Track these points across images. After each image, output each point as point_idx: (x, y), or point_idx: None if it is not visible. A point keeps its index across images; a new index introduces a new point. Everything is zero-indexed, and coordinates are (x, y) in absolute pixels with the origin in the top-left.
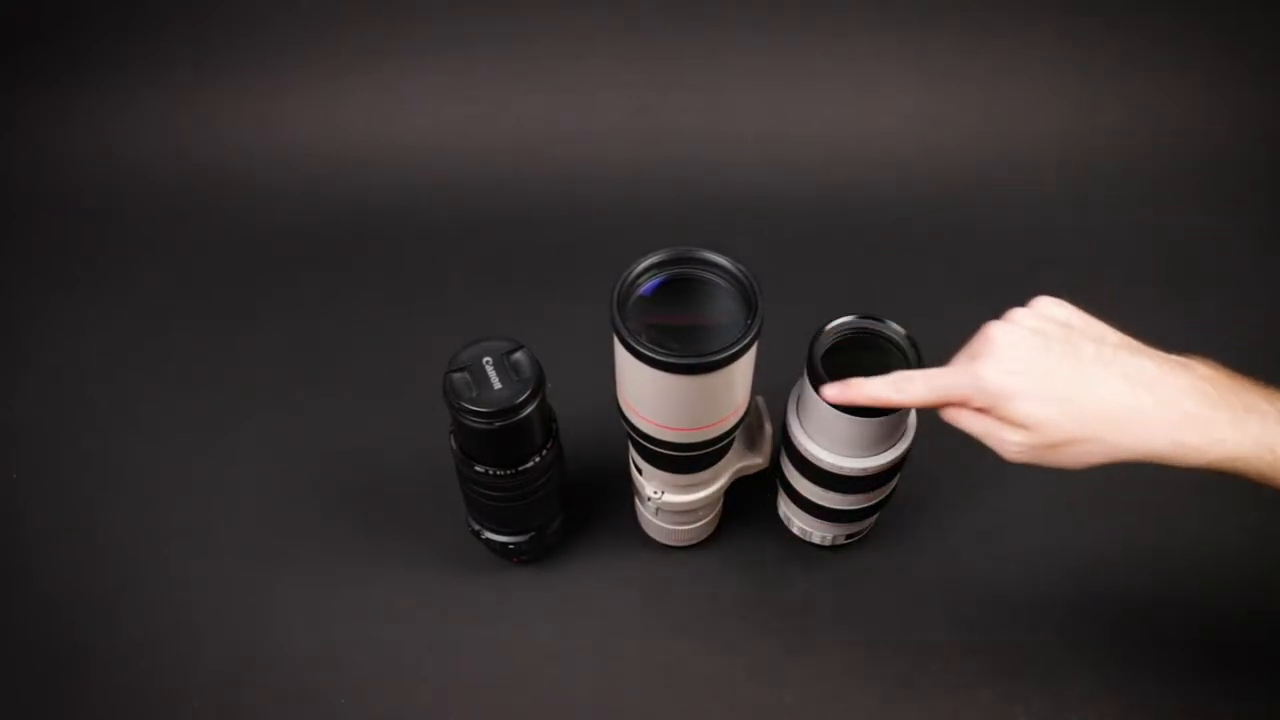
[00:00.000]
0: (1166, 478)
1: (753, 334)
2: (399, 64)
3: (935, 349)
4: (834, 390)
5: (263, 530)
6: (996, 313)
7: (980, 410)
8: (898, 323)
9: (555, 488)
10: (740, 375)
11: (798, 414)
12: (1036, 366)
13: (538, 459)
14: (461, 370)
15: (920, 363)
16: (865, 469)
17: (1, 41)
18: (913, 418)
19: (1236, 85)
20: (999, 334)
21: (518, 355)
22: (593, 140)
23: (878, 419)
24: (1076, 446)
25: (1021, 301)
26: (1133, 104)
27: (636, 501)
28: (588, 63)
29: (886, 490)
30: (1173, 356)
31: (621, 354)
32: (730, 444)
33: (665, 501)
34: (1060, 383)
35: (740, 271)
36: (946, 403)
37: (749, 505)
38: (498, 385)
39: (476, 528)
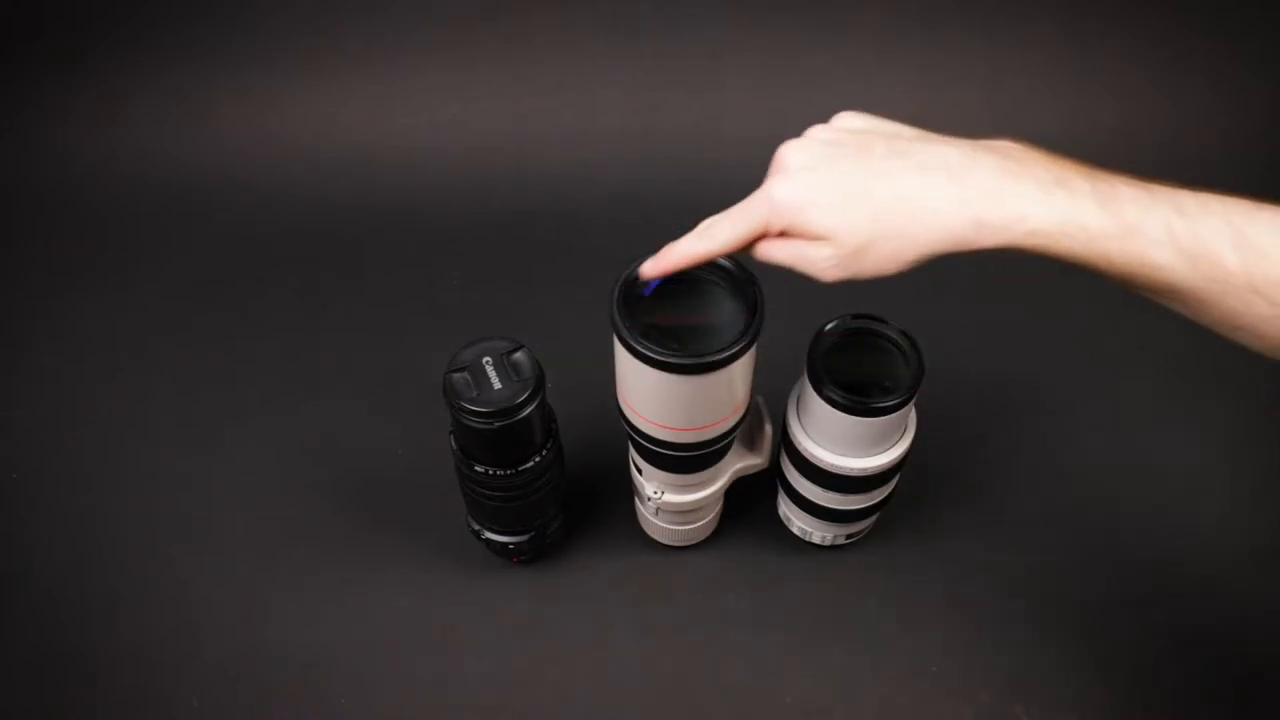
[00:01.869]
0: (1166, 478)
1: (753, 334)
2: (399, 64)
3: (935, 349)
4: (649, 265)
5: (263, 530)
6: (995, 312)
7: (783, 235)
8: (898, 323)
9: (555, 488)
10: (740, 375)
11: (798, 414)
12: (826, 174)
13: (538, 459)
14: (461, 370)
15: (920, 363)
16: (865, 469)
17: (1, 41)
18: (912, 417)
19: (1236, 85)
20: (788, 151)
21: (518, 355)
22: (593, 140)
23: (878, 419)
24: (881, 246)
25: (1021, 305)
26: (1133, 104)
27: (636, 501)
28: (588, 63)
29: (886, 490)
30: (979, 141)
31: (621, 354)
32: (730, 444)
33: (665, 501)
34: (850, 184)
35: (740, 272)
36: (752, 236)
37: (749, 505)
38: (498, 385)
39: (476, 528)
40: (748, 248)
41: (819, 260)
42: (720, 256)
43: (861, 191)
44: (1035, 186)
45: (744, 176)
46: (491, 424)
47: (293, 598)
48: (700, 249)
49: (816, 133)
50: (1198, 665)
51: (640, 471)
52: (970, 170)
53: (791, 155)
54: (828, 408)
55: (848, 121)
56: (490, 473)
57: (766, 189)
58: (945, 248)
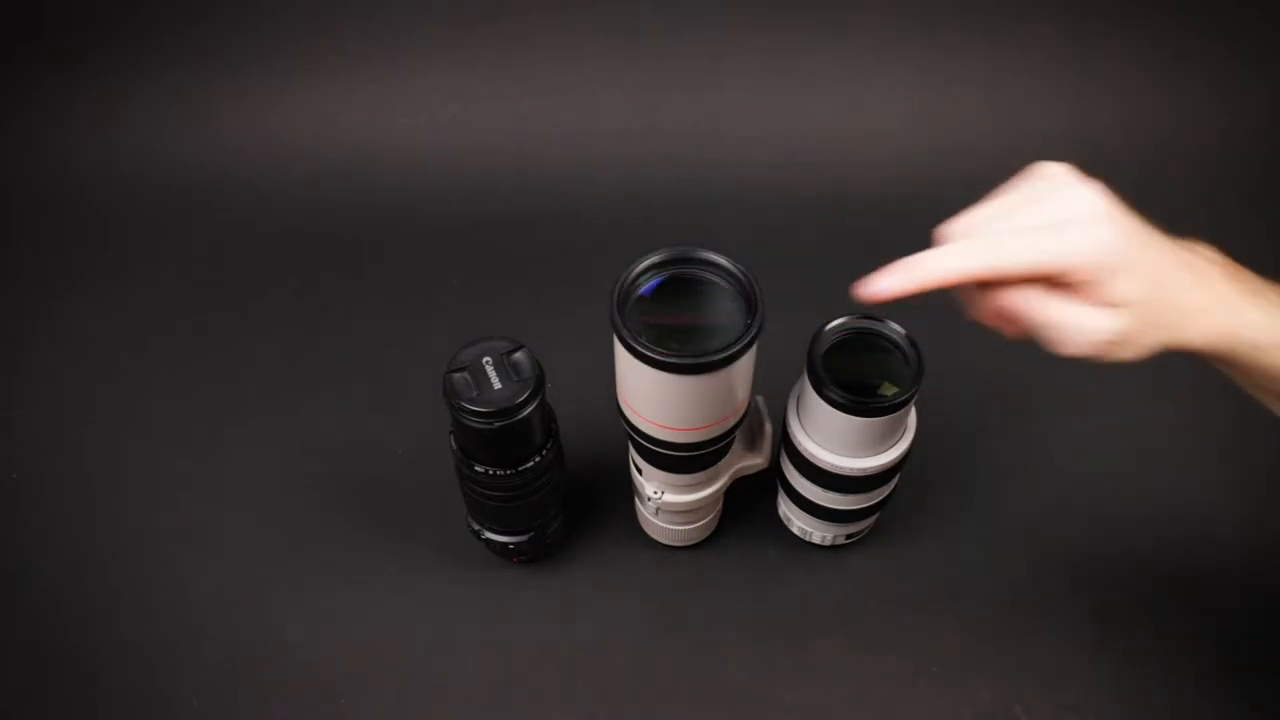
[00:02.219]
0: (1166, 478)
1: (753, 334)
2: (399, 64)
3: (935, 349)
4: (888, 281)
5: (263, 530)
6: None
7: (1062, 289)
8: (898, 323)
9: (555, 488)
10: (740, 375)
11: (798, 414)
12: (1138, 239)
13: (538, 459)
14: (461, 370)
15: (920, 363)
16: (865, 469)
17: (1, 41)
18: (912, 417)
19: (1236, 85)
20: (1092, 193)
21: (518, 355)
22: (592, 140)
23: (878, 419)
24: (1151, 335)
25: None
26: (1133, 104)
27: (636, 501)
28: (588, 63)
29: (886, 490)
30: (1186, 243)
31: (621, 354)
32: (730, 444)
33: (665, 501)
34: (1153, 261)
35: (740, 271)
36: (1042, 273)
37: (749, 505)
38: (498, 385)
39: (476, 528)
40: (1019, 281)
41: (1097, 330)
42: (983, 279)
43: (1157, 277)
44: (1251, 298)
45: (744, 176)
46: (491, 424)
47: (293, 597)
48: (977, 269)
49: (1087, 186)
50: (1198, 665)
51: (640, 471)
52: (1205, 273)
53: (1090, 202)
54: (828, 408)
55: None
56: (490, 473)
57: (1083, 238)
58: (1179, 346)
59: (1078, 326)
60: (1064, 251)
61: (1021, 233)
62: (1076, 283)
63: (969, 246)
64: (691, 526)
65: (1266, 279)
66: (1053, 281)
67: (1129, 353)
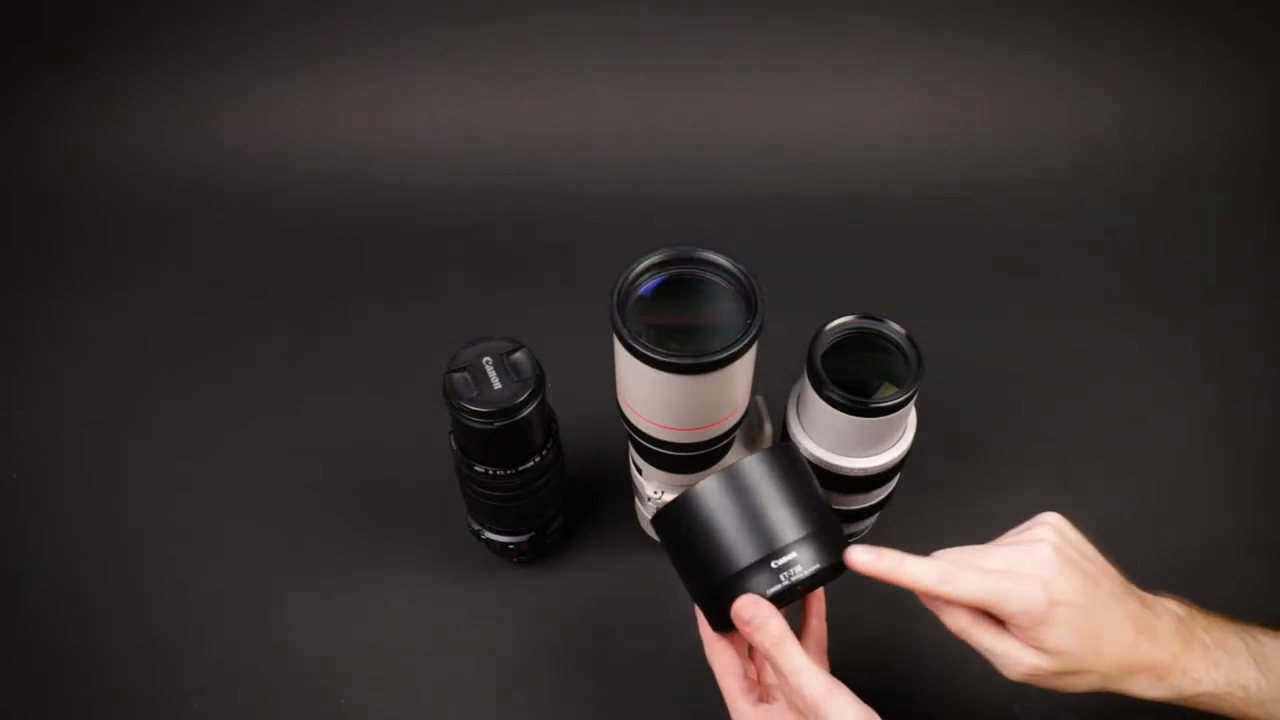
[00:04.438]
0: (1167, 477)
1: (753, 334)
2: (399, 64)
3: (935, 349)
4: (866, 557)
5: (263, 530)
6: (995, 312)
7: (998, 626)
8: (898, 323)
9: (555, 488)
10: (740, 375)
11: (798, 414)
12: (1078, 598)
13: (538, 459)
14: (461, 370)
15: (920, 363)
16: (865, 469)
17: (1, 41)
18: (912, 417)
19: (1236, 85)
20: (1048, 556)
21: (518, 355)
22: (592, 140)
23: (878, 419)
24: (1079, 678)
25: (1021, 305)
26: (1133, 104)
27: (636, 501)
28: (588, 63)
29: (886, 490)
30: (1149, 595)
31: (621, 354)
32: (730, 444)
33: (665, 501)
34: (1091, 619)
35: (740, 271)
36: (984, 608)
37: None
38: (498, 385)
39: (476, 528)
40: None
41: (1023, 664)
42: (935, 596)
43: (1095, 634)
44: (1203, 652)
45: (744, 176)
46: (491, 424)
47: (293, 598)
48: (932, 588)
49: (1061, 543)
50: None
51: (640, 471)
52: (1162, 636)
53: (1054, 561)
54: (828, 408)
55: (1070, 534)
56: (490, 473)
57: (1033, 589)
58: (1119, 689)
59: (1008, 658)
60: (1002, 597)
61: (978, 571)
62: (1011, 623)
63: (934, 567)
64: None
65: (1239, 621)
66: (994, 616)
67: (1067, 688)
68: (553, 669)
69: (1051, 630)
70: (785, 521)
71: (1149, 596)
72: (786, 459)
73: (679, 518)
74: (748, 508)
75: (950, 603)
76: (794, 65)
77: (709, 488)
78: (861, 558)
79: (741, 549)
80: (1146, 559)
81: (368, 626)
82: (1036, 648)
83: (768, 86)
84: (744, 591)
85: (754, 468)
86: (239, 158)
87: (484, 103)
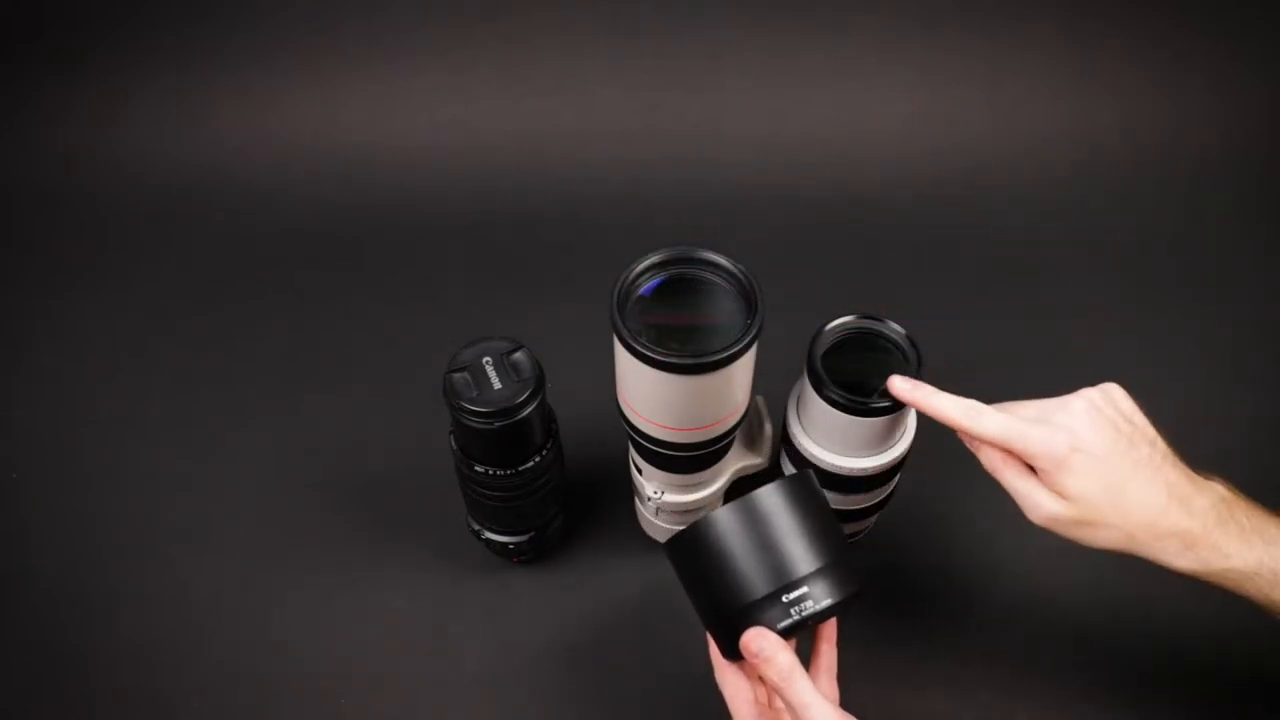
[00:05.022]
0: None
1: (753, 334)
2: (399, 64)
3: (935, 349)
4: (904, 385)
5: (263, 530)
6: (995, 312)
7: (1028, 469)
8: (898, 323)
9: (555, 488)
10: (740, 375)
11: (798, 414)
12: (1103, 450)
13: (538, 459)
14: (461, 370)
15: (920, 363)
16: (865, 469)
17: (1, 41)
18: (912, 418)
19: (1236, 85)
20: (1082, 409)
21: (518, 355)
22: (592, 140)
23: (878, 419)
24: (1100, 530)
25: (1021, 305)
26: (1133, 104)
27: (636, 501)
28: (588, 63)
29: (886, 490)
30: (1199, 475)
31: (621, 354)
32: (730, 444)
33: (665, 501)
34: (1116, 473)
35: (740, 271)
36: (1008, 447)
37: None
38: (498, 385)
39: (476, 528)
40: (992, 445)
41: (1046, 508)
42: (966, 433)
43: (1120, 485)
44: (1238, 532)
45: (744, 176)
46: (491, 424)
47: (293, 598)
48: (958, 420)
49: (1102, 405)
50: (1198, 666)
51: (640, 471)
52: (1198, 508)
53: (1083, 415)
54: (827, 408)
55: (1122, 402)
56: (490, 473)
57: (1052, 433)
58: (1146, 556)
59: (1030, 500)
60: (1025, 439)
61: (1005, 414)
62: (1036, 466)
63: (960, 403)
64: None
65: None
66: (1021, 458)
67: (1090, 540)
68: (552, 669)
69: (1071, 476)
70: (799, 554)
71: (1195, 474)
72: (802, 488)
73: (692, 545)
74: (761, 538)
75: (978, 440)
76: (794, 65)
77: (723, 517)
78: (899, 386)
79: (754, 581)
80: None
81: (368, 626)
82: (1057, 493)
83: (768, 86)
84: (755, 624)
85: (769, 497)
86: (239, 158)
87: (484, 103)
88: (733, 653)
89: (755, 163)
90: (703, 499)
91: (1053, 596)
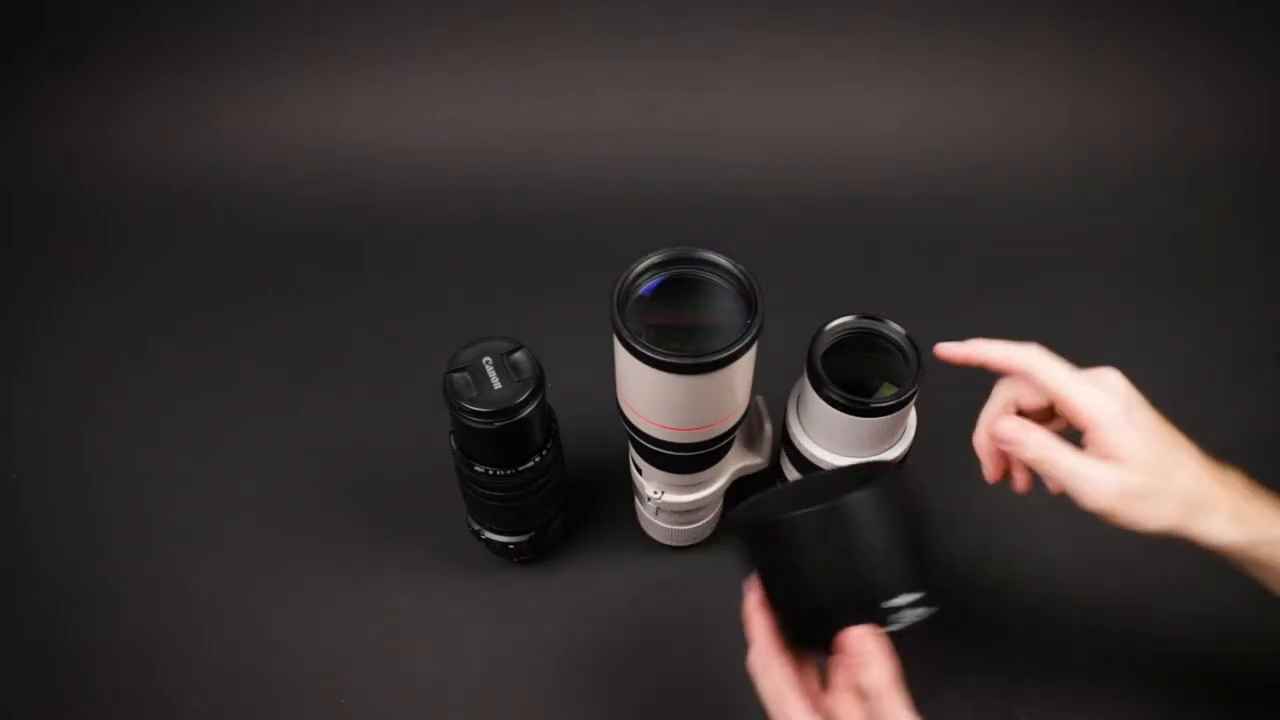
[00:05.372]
0: None
1: (753, 334)
2: (399, 64)
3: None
4: (951, 347)
5: (263, 530)
6: (995, 312)
7: (1078, 449)
8: (897, 322)
9: (555, 488)
10: (740, 375)
11: (798, 414)
12: (1150, 416)
13: (538, 459)
14: (461, 370)
15: (920, 362)
16: None
17: (1, 41)
18: (912, 418)
19: (1236, 85)
20: (1123, 382)
21: (518, 355)
22: (592, 140)
23: (878, 419)
24: (1156, 503)
25: (1021, 305)
26: (1133, 104)
27: (636, 501)
28: (588, 63)
29: None
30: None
31: (621, 354)
32: (730, 444)
33: (665, 501)
34: (1164, 436)
35: (740, 271)
36: (1068, 400)
37: None
38: (498, 385)
39: (476, 528)
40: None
41: (1104, 483)
42: (1009, 369)
43: (1170, 452)
44: (1272, 500)
45: (744, 176)
46: (491, 424)
47: (293, 598)
48: (1015, 360)
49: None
50: (1198, 666)
51: (640, 471)
52: (1227, 478)
53: (1121, 386)
54: (828, 408)
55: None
56: (490, 473)
57: (1098, 386)
58: (1196, 531)
59: (1091, 476)
60: (1078, 392)
61: (1058, 365)
62: (1087, 436)
63: (1022, 347)
64: (691, 526)
65: None
66: (1069, 434)
67: (1145, 518)
68: (553, 669)
69: (1129, 434)
70: (926, 566)
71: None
72: (910, 490)
73: (835, 523)
74: (905, 538)
75: (1019, 374)
76: (794, 65)
77: (872, 503)
78: (947, 349)
79: (889, 580)
80: (1145, 557)
81: (368, 626)
82: (1114, 457)
83: (768, 86)
84: (861, 622)
85: (911, 489)
86: (239, 158)
87: (484, 103)
88: (813, 641)
89: (755, 163)
90: (703, 499)
91: (1053, 595)
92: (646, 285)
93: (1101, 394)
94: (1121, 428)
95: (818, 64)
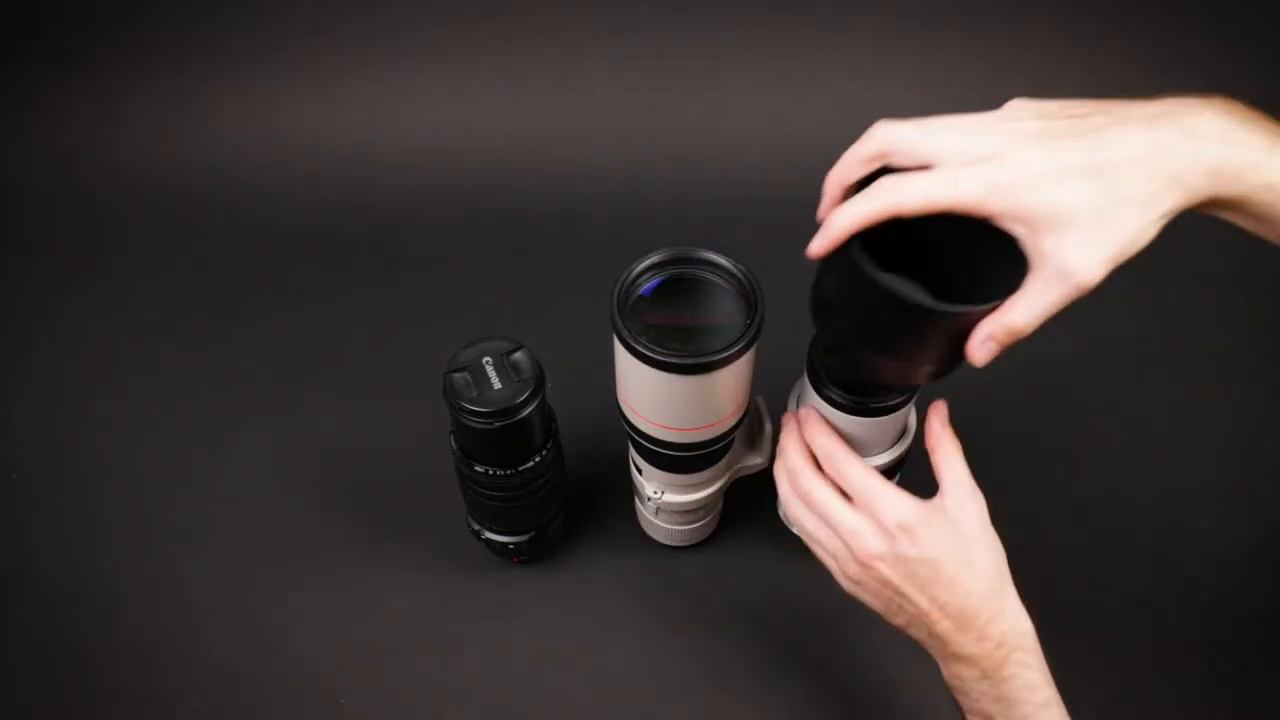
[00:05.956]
0: (1169, 478)
1: (753, 334)
2: (399, 64)
3: None
4: (816, 243)
5: (263, 530)
6: None
7: (1023, 236)
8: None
9: (555, 488)
10: (740, 375)
11: None
12: (1050, 148)
13: (538, 459)
14: (461, 370)
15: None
16: None
17: (1, 41)
18: (913, 418)
19: (1236, 85)
20: (993, 124)
21: (518, 355)
22: (593, 140)
23: (878, 418)
24: (1126, 216)
25: None
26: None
27: (636, 501)
28: (588, 62)
29: None
30: (1196, 98)
31: (621, 354)
32: (730, 444)
33: (665, 501)
34: (1077, 157)
35: (740, 271)
36: (947, 206)
37: (749, 505)
38: (498, 385)
39: (476, 528)
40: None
41: (1076, 254)
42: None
43: (1093, 162)
44: (1266, 139)
45: (744, 177)
46: (491, 424)
47: (293, 598)
48: (880, 205)
49: (1010, 114)
50: (1198, 666)
51: (640, 471)
52: (1198, 121)
53: (999, 136)
54: (828, 408)
55: (1031, 105)
56: (490, 473)
57: (979, 166)
58: (1184, 203)
59: (1058, 262)
60: (954, 186)
61: (933, 175)
62: (1006, 213)
63: (878, 188)
64: (691, 526)
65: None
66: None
67: (1130, 237)
68: (552, 669)
69: (1043, 190)
70: None
71: (1191, 99)
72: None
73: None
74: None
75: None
76: (794, 65)
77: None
78: (814, 246)
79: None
80: (1148, 558)
81: (368, 626)
82: (1048, 225)
83: (768, 86)
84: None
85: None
86: (239, 158)
87: (484, 103)
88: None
89: (755, 163)
90: (703, 499)
91: (1052, 596)
92: (646, 285)
93: (987, 177)
94: (1032, 199)
95: (818, 64)
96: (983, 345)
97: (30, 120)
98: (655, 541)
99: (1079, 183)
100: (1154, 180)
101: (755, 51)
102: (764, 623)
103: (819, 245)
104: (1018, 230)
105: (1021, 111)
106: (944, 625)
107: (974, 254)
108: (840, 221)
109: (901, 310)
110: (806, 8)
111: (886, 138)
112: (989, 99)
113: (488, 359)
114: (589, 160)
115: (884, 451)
